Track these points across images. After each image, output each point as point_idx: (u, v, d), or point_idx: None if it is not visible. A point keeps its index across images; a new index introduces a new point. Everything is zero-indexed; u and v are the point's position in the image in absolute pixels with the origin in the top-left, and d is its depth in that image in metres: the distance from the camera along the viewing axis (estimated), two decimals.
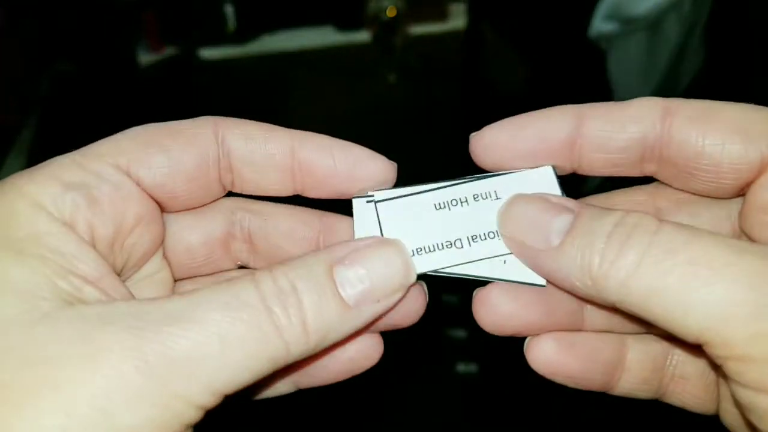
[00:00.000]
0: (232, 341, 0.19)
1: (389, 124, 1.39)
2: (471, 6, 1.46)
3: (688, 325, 0.19)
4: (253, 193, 0.25)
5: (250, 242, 0.26)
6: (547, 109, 0.24)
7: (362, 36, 1.52)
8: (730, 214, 0.24)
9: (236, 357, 0.19)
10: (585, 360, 0.24)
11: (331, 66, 1.51)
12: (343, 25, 1.53)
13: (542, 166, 0.24)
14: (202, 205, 0.25)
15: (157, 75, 1.44)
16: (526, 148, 0.24)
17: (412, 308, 0.24)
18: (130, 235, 0.22)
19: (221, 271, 0.26)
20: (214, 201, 0.25)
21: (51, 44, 1.27)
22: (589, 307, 0.25)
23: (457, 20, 1.52)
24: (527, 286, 0.24)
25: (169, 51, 1.45)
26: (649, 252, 0.19)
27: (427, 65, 1.51)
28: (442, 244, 0.24)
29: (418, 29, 1.52)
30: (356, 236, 0.24)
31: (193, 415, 0.18)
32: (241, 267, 0.26)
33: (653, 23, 0.99)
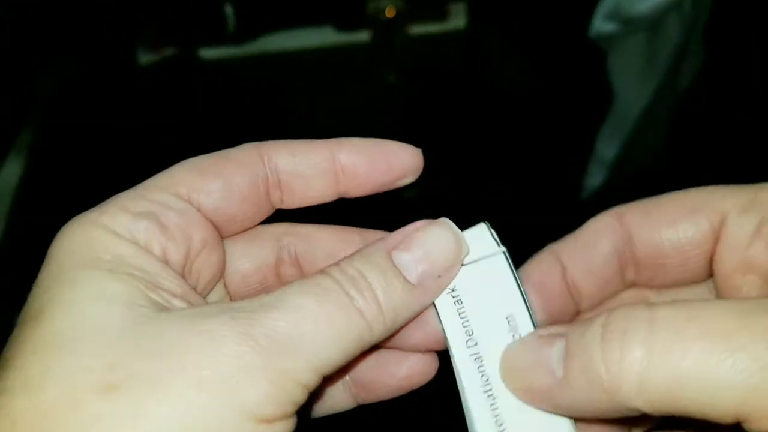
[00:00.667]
0: (324, 321, 0.20)
1: (389, 123, 1.39)
2: (471, 6, 1.46)
3: (722, 407, 0.17)
4: (301, 205, 0.27)
5: (298, 266, 0.27)
6: (531, 260, 0.26)
7: (362, 36, 1.51)
8: (710, 288, 0.25)
9: (330, 335, 0.20)
10: None
11: (331, 66, 1.51)
12: (343, 26, 1.53)
13: (476, 226, 0.25)
14: (255, 226, 0.27)
15: (157, 75, 1.43)
16: (537, 297, 0.25)
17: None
18: (198, 258, 0.24)
19: None
20: (262, 224, 0.27)
21: (51, 44, 1.27)
22: None
23: (457, 20, 1.52)
24: None
25: (168, 51, 1.45)
26: (654, 339, 0.18)
27: (427, 65, 1.51)
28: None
29: (418, 29, 1.52)
30: None
31: (299, 394, 0.19)
32: None
33: (654, 23, 0.99)
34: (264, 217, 0.27)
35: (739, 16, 0.94)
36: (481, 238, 0.25)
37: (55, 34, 1.27)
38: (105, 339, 0.19)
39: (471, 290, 0.24)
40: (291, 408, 0.19)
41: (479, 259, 0.25)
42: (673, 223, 0.24)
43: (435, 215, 0.25)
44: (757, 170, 0.34)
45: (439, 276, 0.23)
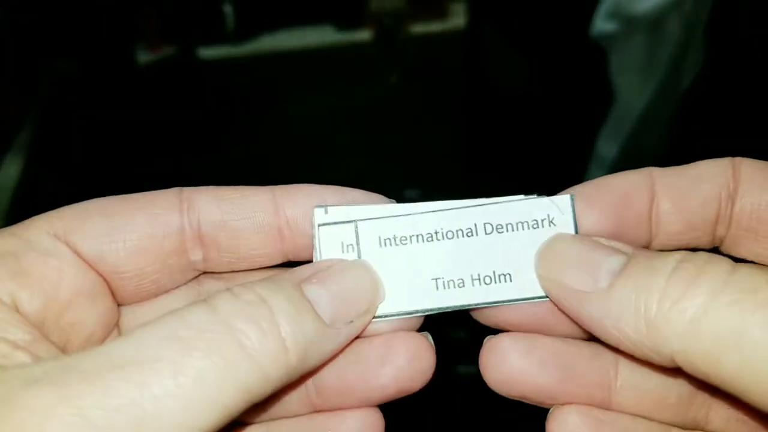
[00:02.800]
0: (188, 377, 0.15)
1: (390, 123, 1.39)
2: (471, 5, 1.45)
3: None
4: (233, 269, 0.22)
5: None
6: (616, 174, 0.22)
7: (362, 35, 1.51)
8: None
9: (197, 395, 0.15)
10: None
11: (331, 65, 1.50)
12: (344, 24, 1.52)
13: (562, 196, 0.22)
14: (167, 291, 0.22)
15: (156, 74, 1.43)
16: (610, 217, 0.22)
17: (423, 365, 0.22)
18: (67, 312, 0.20)
19: None
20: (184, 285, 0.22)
21: (51, 44, 1.26)
22: (621, 380, 0.22)
23: (457, 19, 1.52)
24: (544, 340, 0.21)
25: (167, 50, 1.45)
26: (724, 291, 0.16)
27: (427, 64, 1.51)
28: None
29: (418, 28, 1.52)
30: (322, 257, 0.22)
31: None
32: None
33: (654, 23, 0.99)
34: (181, 282, 0.22)
35: (741, 16, 0.94)
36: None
37: (54, 33, 1.27)
38: None
39: None
40: None
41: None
42: None
43: None
44: None
45: (352, 321, 0.20)
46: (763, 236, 0.21)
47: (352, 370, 0.21)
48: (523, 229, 0.22)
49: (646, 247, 0.22)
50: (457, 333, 1.04)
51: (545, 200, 0.22)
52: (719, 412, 0.22)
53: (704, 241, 0.23)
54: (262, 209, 0.21)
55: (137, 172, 1.10)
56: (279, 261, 0.23)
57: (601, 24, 1.01)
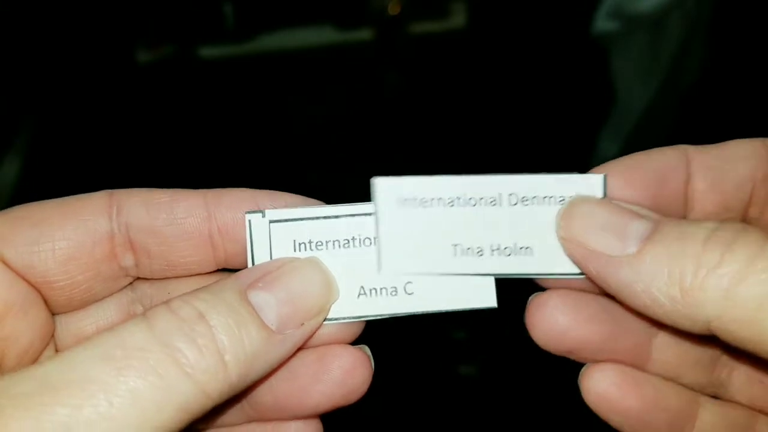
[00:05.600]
0: (124, 398, 0.15)
1: (390, 123, 1.39)
2: (472, 4, 1.45)
3: None
4: (166, 275, 0.21)
5: None
6: (649, 151, 0.21)
7: (363, 34, 1.51)
8: None
9: (132, 416, 0.15)
10: (650, 404, 0.21)
11: (331, 65, 1.50)
12: (344, 24, 1.52)
13: (594, 174, 0.21)
14: (101, 299, 0.21)
15: (156, 73, 1.43)
16: (648, 189, 0.21)
17: (357, 380, 0.21)
18: (0, 325, 0.19)
19: None
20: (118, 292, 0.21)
21: (51, 44, 1.26)
22: (658, 341, 0.21)
23: (457, 19, 1.52)
24: (590, 297, 0.21)
25: (167, 49, 1.45)
26: (762, 257, 0.16)
27: (427, 64, 1.51)
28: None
29: (419, 27, 1.51)
30: (273, 256, 0.21)
31: None
32: None
33: (656, 21, 0.98)
34: (114, 289, 0.21)
35: (742, 14, 0.93)
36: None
37: (54, 33, 1.27)
38: None
39: None
40: None
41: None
42: None
43: None
44: None
45: (302, 324, 0.19)
46: None
47: (286, 387, 0.21)
48: (549, 204, 0.21)
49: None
50: (457, 333, 1.04)
51: (576, 177, 0.21)
52: (741, 373, 0.22)
53: (738, 220, 0.22)
54: (191, 214, 0.21)
55: (137, 172, 1.10)
56: (212, 269, 0.22)
57: (602, 23, 1.01)
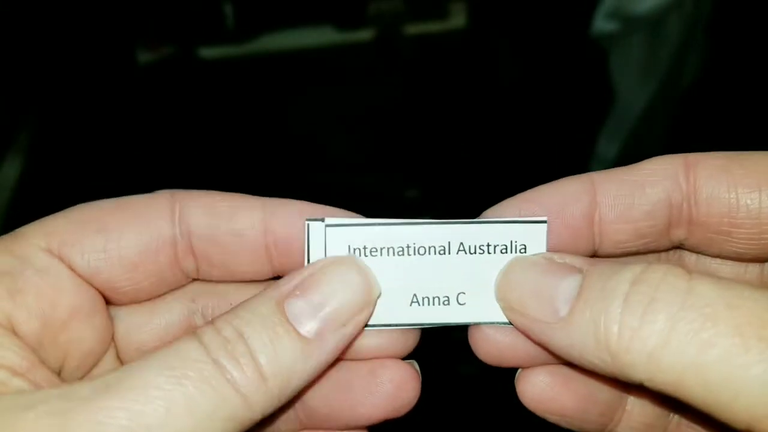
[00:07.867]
0: (180, 405, 0.16)
1: (389, 123, 1.39)
2: (471, 4, 1.45)
3: (737, 412, 0.15)
4: (225, 279, 0.22)
5: None
6: (557, 181, 0.21)
7: (363, 35, 1.51)
8: (764, 271, 0.21)
9: (188, 423, 0.16)
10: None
11: (331, 65, 1.50)
12: (344, 25, 1.52)
13: (538, 219, 0.21)
14: (159, 296, 0.22)
15: (156, 73, 1.43)
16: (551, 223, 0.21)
17: (407, 394, 0.21)
18: (65, 330, 0.19)
19: None
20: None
21: (51, 44, 1.26)
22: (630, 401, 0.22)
23: (457, 19, 1.52)
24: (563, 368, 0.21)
25: (167, 50, 1.45)
26: (683, 316, 0.16)
27: (427, 64, 1.51)
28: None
29: (418, 28, 1.52)
30: (311, 262, 0.21)
31: None
32: None
33: (655, 22, 0.98)
34: (174, 285, 0.22)
35: (741, 15, 0.94)
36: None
37: (54, 33, 1.27)
38: None
39: None
40: None
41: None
42: (757, 187, 0.19)
43: (436, 215, 0.23)
44: None
45: (344, 325, 0.19)
46: (736, 238, 0.20)
47: (339, 398, 0.22)
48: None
49: (595, 254, 0.22)
50: (457, 333, 1.04)
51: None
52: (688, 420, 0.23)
53: (660, 244, 0.22)
54: (250, 227, 0.21)
55: (137, 172, 1.10)
56: (269, 276, 0.22)
57: (602, 24, 1.01)
